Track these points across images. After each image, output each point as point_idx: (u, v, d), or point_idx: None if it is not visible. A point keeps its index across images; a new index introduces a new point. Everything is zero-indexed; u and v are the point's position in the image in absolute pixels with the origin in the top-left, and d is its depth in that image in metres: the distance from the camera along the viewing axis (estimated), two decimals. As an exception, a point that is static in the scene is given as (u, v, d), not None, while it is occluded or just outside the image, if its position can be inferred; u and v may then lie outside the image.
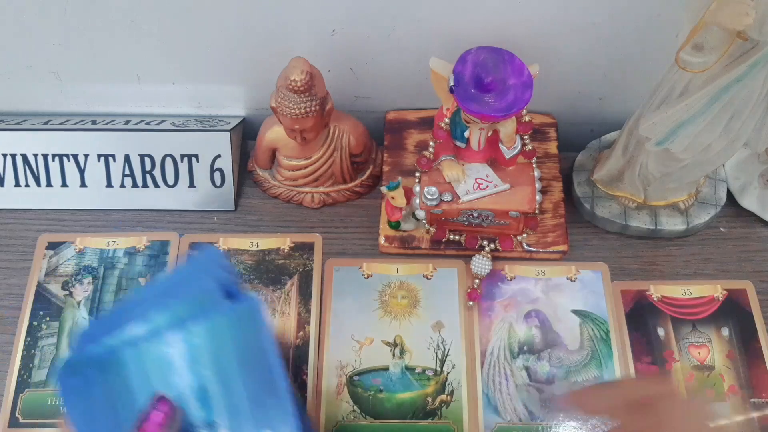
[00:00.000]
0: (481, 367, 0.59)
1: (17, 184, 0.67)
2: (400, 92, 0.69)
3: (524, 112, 0.56)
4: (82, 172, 0.67)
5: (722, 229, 0.66)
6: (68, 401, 0.39)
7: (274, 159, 0.67)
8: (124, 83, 0.68)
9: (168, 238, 0.65)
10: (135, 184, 0.67)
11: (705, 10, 0.45)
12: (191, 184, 0.67)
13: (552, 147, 0.69)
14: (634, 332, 0.60)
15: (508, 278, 0.63)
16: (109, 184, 0.67)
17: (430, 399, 0.58)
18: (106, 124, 0.68)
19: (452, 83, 0.53)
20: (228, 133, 0.66)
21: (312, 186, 0.67)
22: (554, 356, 0.59)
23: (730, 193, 0.66)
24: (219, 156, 0.66)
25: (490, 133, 0.58)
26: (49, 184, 0.67)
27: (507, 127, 0.57)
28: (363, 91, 0.69)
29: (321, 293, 0.62)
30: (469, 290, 0.61)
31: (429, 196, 0.59)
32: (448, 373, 0.59)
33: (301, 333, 0.60)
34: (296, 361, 0.59)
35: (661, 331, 0.60)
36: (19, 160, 0.66)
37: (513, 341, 0.60)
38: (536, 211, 0.60)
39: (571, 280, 0.62)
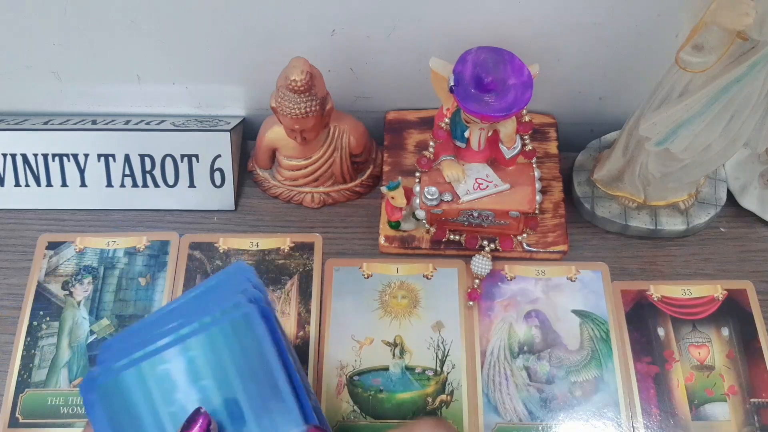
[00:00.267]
0: (481, 367, 0.59)
1: (17, 184, 0.67)
2: (400, 92, 0.69)
3: (524, 112, 0.56)
4: (82, 172, 0.67)
5: (722, 229, 0.66)
6: (91, 414, 0.39)
7: (274, 159, 0.67)
8: (124, 83, 0.68)
9: (168, 238, 0.65)
10: (135, 184, 0.67)
11: (705, 10, 0.45)
12: (191, 184, 0.67)
13: (552, 147, 0.69)
14: (634, 332, 0.60)
15: (508, 278, 0.63)
16: (109, 184, 0.67)
17: (430, 399, 0.58)
18: (106, 124, 0.68)
19: (452, 83, 0.53)
20: (228, 133, 0.66)
21: (312, 186, 0.67)
22: (554, 356, 0.59)
23: (730, 193, 0.66)
24: (219, 156, 0.66)
25: (490, 133, 0.58)
26: (49, 184, 0.67)
27: (507, 127, 0.57)
28: (363, 91, 0.69)
29: (321, 293, 0.62)
30: (469, 290, 0.61)
31: (429, 196, 0.59)
32: (448, 373, 0.59)
33: (301, 333, 0.60)
34: (296, 361, 0.59)
35: (661, 331, 0.60)
36: (19, 160, 0.66)
37: (513, 341, 0.60)
38: (536, 211, 0.60)
39: (571, 280, 0.62)
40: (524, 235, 0.63)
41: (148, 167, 0.66)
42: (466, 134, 0.58)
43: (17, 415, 0.57)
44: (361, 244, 0.65)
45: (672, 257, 0.64)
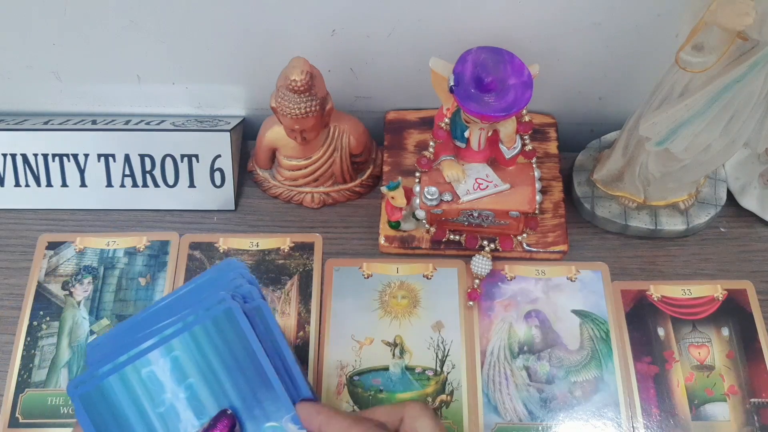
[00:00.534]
0: (481, 367, 0.59)
1: (17, 184, 0.67)
2: (400, 92, 0.69)
3: (524, 112, 0.56)
4: (82, 172, 0.67)
5: (722, 229, 0.66)
6: (79, 416, 0.39)
7: (274, 159, 0.67)
8: (124, 83, 0.68)
9: (168, 238, 0.65)
10: (135, 184, 0.67)
11: (705, 10, 0.45)
12: (191, 184, 0.67)
13: (552, 147, 0.69)
14: (634, 332, 0.60)
15: (508, 278, 0.63)
16: (109, 184, 0.67)
17: (430, 399, 0.58)
18: (106, 124, 0.68)
19: (452, 83, 0.53)
20: (228, 133, 0.66)
21: (312, 186, 0.67)
22: (554, 356, 0.59)
23: (730, 193, 0.66)
24: (219, 156, 0.66)
25: (490, 133, 0.58)
26: (49, 184, 0.67)
27: (507, 127, 0.57)
28: (363, 91, 0.69)
29: (321, 293, 0.62)
30: (469, 290, 0.61)
31: (429, 196, 0.59)
32: (448, 373, 0.59)
33: (301, 333, 0.60)
34: (296, 361, 0.59)
35: (661, 331, 0.60)
36: (19, 160, 0.66)
37: (513, 341, 0.60)
38: (536, 211, 0.60)
39: (571, 280, 0.62)
40: (524, 235, 0.63)
41: (148, 167, 0.66)
42: (466, 134, 0.58)
43: (17, 415, 0.57)
44: (361, 244, 0.65)
45: (672, 257, 0.64)
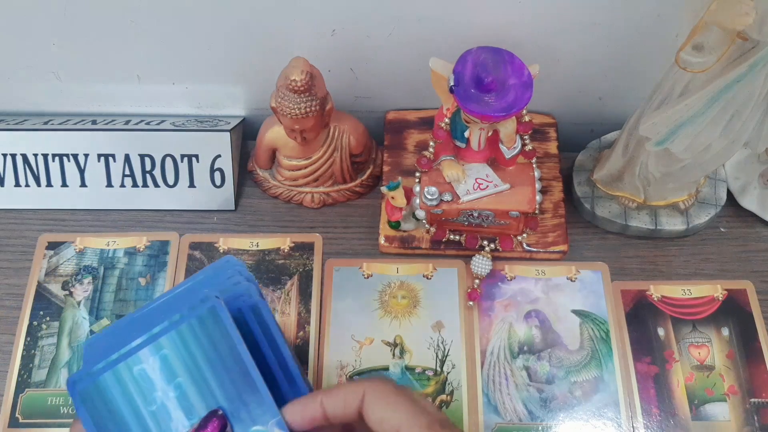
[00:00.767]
0: (481, 367, 0.59)
1: (17, 184, 0.67)
2: (400, 92, 0.69)
3: (524, 112, 0.56)
4: (82, 172, 0.67)
5: (722, 229, 0.66)
6: (80, 412, 0.39)
7: (274, 159, 0.67)
8: (124, 83, 0.68)
9: (168, 238, 0.65)
10: (135, 184, 0.67)
11: (705, 10, 0.45)
12: (191, 184, 0.67)
13: (552, 147, 0.69)
14: (634, 332, 0.60)
15: (508, 278, 0.63)
16: (109, 184, 0.67)
17: (430, 399, 0.58)
18: (106, 124, 0.68)
19: (452, 83, 0.53)
20: (228, 133, 0.66)
21: (312, 186, 0.67)
22: (554, 356, 0.59)
23: (730, 193, 0.66)
24: (219, 156, 0.66)
25: (490, 133, 0.58)
26: (49, 184, 0.67)
27: (507, 127, 0.57)
28: (363, 91, 0.69)
29: (321, 293, 0.62)
30: (469, 290, 0.61)
31: (429, 196, 0.59)
32: (448, 373, 0.59)
33: (301, 333, 0.60)
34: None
35: (661, 331, 0.60)
36: (19, 160, 0.66)
37: (513, 341, 0.60)
38: (536, 211, 0.60)
39: (571, 280, 0.62)
40: (524, 235, 0.63)
41: (148, 167, 0.66)
42: (466, 134, 0.58)
43: (17, 415, 0.57)
44: (361, 244, 0.65)
45: (672, 257, 0.64)
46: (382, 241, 0.64)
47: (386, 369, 0.59)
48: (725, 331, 0.60)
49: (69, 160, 0.66)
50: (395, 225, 0.63)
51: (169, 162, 0.66)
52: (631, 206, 0.64)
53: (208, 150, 0.66)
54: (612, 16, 0.60)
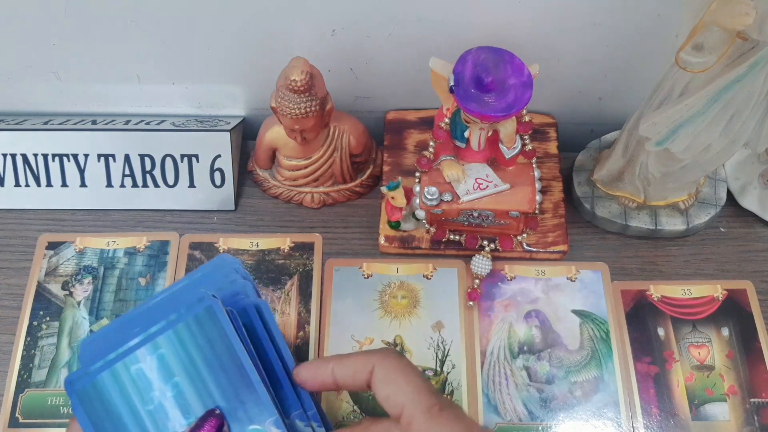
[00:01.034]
0: (481, 367, 0.59)
1: (17, 184, 0.67)
2: (400, 92, 0.69)
3: (524, 112, 0.56)
4: (82, 172, 0.67)
5: (722, 229, 0.66)
6: (77, 412, 0.39)
7: (274, 159, 0.67)
8: (124, 83, 0.68)
9: (168, 238, 0.65)
10: (135, 184, 0.67)
11: (705, 10, 0.45)
12: (191, 184, 0.67)
13: (552, 147, 0.69)
14: (634, 332, 0.60)
15: (508, 278, 0.63)
16: (109, 184, 0.67)
17: (430, 399, 0.57)
18: (106, 124, 0.68)
19: (452, 83, 0.53)
20: (228, 133, 0.66)
21: (312, 186, 0.67)
22: (554, 356, 0.59)
23: (730, 193, 0.66)
24: (219, 156, 0.66)
25: (490, 133, 0.58)
26: (49, 184, 0.67)
27: (507, 127, 0.57)
28: (363, 91, 0.69)
29: (321, 293, 0.62)
30: (469, 290, 0.61)
31: (429, 196, 0.59)
32: (448, 373, 0.59)
33: (301, 333, 0.60)
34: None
35: (661, 331, 0.60)
36: (19, 160, 0.66)
37: (513, 341, 0.60)
38: (536, 211, 0.60)
39: (571, 280, 0.62)
40: (524, 235, 0.63)
41: (148, 167, 0.66)
42: (466, 134, 0.58)
43: (17, 415, 0.57)
44: (361, 244, 0.65)
45: (672, 257, 0.64)
46: (382, 241, 0.64)
47: (386, 369, 0.59)
48: (725, 331, 0.60)
49: (69, 160, 0.66)
50: (395, 225, 0.63)
51: (169, 162, 0.66)
52: (631, 206, 0.64)
53: (208, 150, 0.66)
54: (612, 16, 0.60)
